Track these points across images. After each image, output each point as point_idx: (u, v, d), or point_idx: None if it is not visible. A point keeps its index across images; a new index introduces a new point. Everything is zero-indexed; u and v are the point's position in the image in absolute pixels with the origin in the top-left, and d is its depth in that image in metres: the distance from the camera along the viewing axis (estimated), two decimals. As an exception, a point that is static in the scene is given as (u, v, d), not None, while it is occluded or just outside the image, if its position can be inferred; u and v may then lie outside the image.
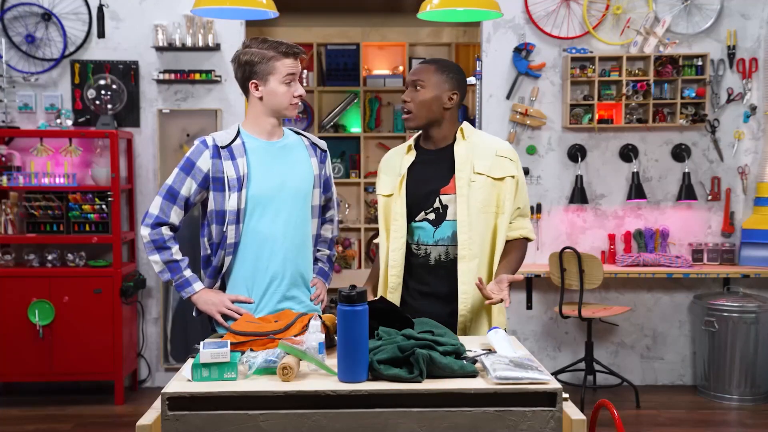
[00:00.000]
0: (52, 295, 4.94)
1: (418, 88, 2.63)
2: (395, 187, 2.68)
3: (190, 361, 2.14)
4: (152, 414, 2.01)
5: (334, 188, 2.94)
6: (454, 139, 2.69)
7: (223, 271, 2.70)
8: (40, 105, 5.27)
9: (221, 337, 2.40)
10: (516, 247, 2.70)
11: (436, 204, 2.65)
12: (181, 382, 2.00)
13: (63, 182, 5.05)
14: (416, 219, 2.67)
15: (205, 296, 2.68)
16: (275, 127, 2.73)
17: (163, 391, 1.92)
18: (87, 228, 5.05)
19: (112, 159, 4.99)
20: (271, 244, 2.67)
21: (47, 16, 5.21)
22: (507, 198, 2.65)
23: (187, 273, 2.69)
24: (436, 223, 2.65)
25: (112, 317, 4.98)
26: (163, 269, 2.67)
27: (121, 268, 5.02)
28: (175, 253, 2.68)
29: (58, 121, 5.14)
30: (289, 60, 2.65)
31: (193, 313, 2.77)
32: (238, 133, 2.71)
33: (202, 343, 2.06)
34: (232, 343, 2.12)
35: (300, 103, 2.72)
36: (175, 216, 2.67)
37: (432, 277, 2.67)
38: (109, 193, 5.01)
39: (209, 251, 2.71)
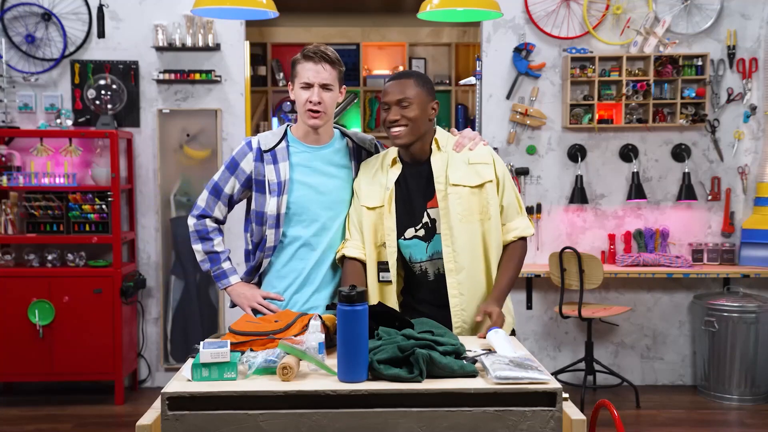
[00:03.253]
0: (52, 295, 4.94)
1: (405, 104, 2.55)
2: (384, 202, 2.62)
3: (190, 361, 2.14)
4: (152, 414, 2.01)
5: None
6: (431, 151, 2.64)
7: (261, 270, 2.78)
8: (40, 105, 5.27)
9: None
10: (512, 253, 2.64)
11: (425, 219, 2.61)
12: (181, 382, 2.00)
13: (63, 182, 5.05)
14: (406, 237, 2.62)
15: (239, 289, 2.77)
16: (316, 133, 2.71)
17: (163, 391, 1.93)
18: (87, 228, 5.05)
19: (112, 159, 4.99)
20: (308, 248, 2.72)
21: (47, 16, 5.21)
22: (491, 203, 2.59)
23: (225, 265, 2.79)
24: (428, 238, 2.62)
25: (112, 317, 4.98)
26: (204, 259, 2.79)
27: (121, 268, 5.02)
28: (217, 244, 2.78)
29: (58, 121, 5.14)
30: (308, 64, 2.63)
31: (229, 305, 2.87)
32: (285, 135, 2.74)
33: (202, 343, 2.06)
34: (232, 343, 2.12)
35: (319, 112, 2.63)
36: (219, 211, 2.77)
37: (428, 290, 2.65)
38: (109, 193, 5.01)
39: (250, 247, 2.80)
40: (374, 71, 7.12)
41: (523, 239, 2.68)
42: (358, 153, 2.80)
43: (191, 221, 2.78)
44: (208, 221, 2.77)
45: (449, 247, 2.57)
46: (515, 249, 2.65)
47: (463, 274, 2.58)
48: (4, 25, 5.20)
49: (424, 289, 2.66)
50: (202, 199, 2.77)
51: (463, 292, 2.58)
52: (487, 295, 2.61)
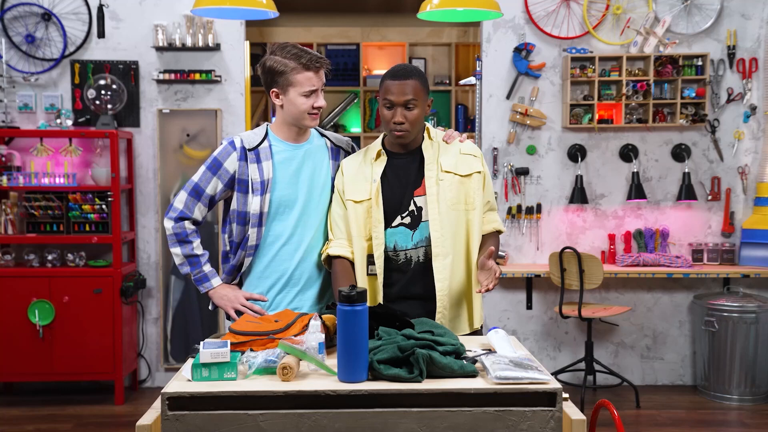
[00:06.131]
0: (52, 295, 4.94)
1: (411, 107, 2.60)
2: (372, 194, 2.65)
3: (190, 361, 2.15)
4: (152, 414, 2.01)
5: None
6: (422, 140, 2.71)
7: (242, 270, 2.76)
8: (40, 105, 5.27)
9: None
10: (490, 239, 2.77)
11: (411, 207, 2.65)
12: (181, 382, 2.01)
13: (63, 182, 5.05)
14: (392, 225, 2.66)
15: (221, 292, 2.76)
16: (299, 133, 2.76)
17: (163, 391, 1.93)
18: (87, 228, 5.05)
19: (112, 159, 4.99)
20: (290, 247, 2.72)
21: (47, 16, 5.21)
22: (476, 194, 2.68)
23: (206, 268, 2.76)
24: (413, 226, 2.65)
25: (112, 317, 4.98)
26: (183, 262, 2.75)
27: (121, 268, 5.02)
28: (196, 247, 2.75)
29: (58, 121, 5.14)
30: (310, 73, 2.66)
31: (209, 307, 2.86)
32: (266, 134, 2.75)
33: (202, 343, 2.06)
34: (232, 343, 2.12)
35: (319, 114, 2.73)
36: (199, 212, 2.74)
37: (409, 280, 2.66)
38: (109, 193, 5.01)
39: (228, 248, 2.78)
40: (374, 71, 7.12)
41: (498, 232, 2.81)
42: (337, 153, 2.84)
43: (168, 224, 2.72)
44: (186, 223, 2.72)
45: (437, 232, 2.62)
46: (494, 236, 2.80)
47: (449, 260, 2.63)
48: (4, 25, 5.20)
49: (399, 278, 2.67)
50: (180, 201, 2.72)
51: (447, 277, 2.64)
52: (465, 284, 2.69)
